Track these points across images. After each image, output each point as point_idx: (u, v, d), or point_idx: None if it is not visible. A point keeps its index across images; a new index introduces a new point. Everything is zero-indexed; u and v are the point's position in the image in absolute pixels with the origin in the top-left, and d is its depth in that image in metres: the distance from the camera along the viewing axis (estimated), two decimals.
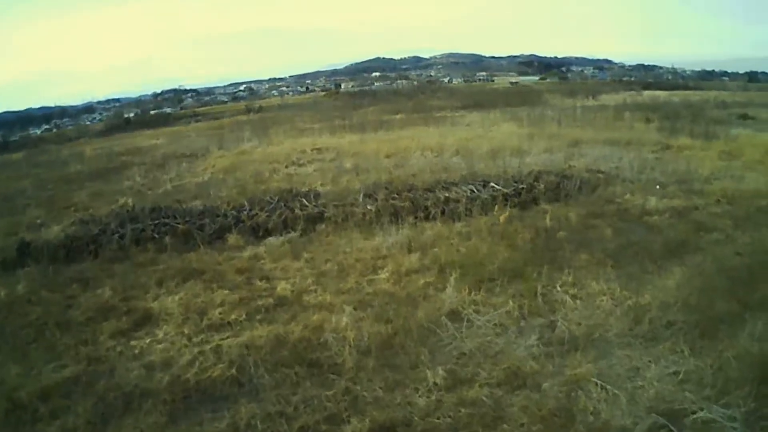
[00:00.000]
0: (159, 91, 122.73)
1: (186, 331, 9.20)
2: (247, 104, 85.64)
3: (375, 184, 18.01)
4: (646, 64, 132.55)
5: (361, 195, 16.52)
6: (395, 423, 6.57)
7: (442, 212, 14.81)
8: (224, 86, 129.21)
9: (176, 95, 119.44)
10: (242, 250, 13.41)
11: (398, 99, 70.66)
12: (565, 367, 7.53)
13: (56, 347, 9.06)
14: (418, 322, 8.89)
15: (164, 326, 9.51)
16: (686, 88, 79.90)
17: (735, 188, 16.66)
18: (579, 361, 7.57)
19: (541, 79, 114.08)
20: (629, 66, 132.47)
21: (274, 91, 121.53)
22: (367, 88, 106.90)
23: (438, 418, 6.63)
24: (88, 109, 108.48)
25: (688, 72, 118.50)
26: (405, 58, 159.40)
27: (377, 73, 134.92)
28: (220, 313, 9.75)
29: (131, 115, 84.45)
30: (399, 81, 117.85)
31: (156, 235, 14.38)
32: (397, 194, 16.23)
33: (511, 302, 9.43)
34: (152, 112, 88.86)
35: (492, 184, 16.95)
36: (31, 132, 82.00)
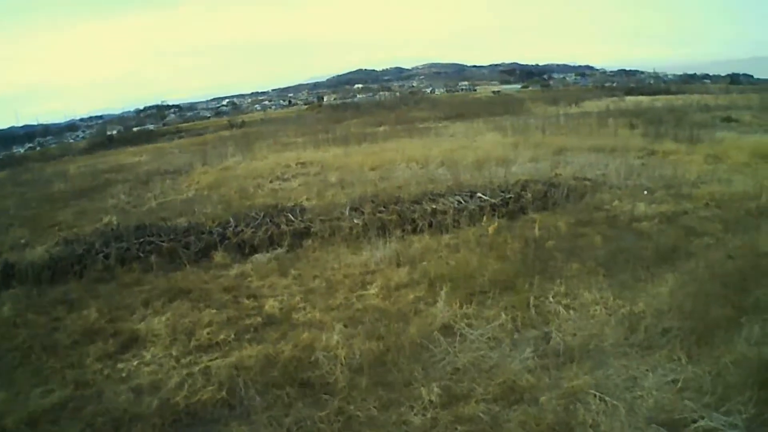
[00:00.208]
0: (142, 107, 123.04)
1: (174, 353, 9.03)
2: (230, 119, 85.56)
3: (361, 198, 17.86)
4: (627, 69, 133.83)
5: (348, 209, 16.38)
6: None
7: (430, 224, 14.70)
8: (207, 101, 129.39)
9: (159, 111, 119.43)
10: (229, 267, 13.25)
11: (381, 111, 70.59)
12: (562, 380, 7.42)
13: (43, 371, 8.89)
14: (410, 338, 8.74)
15: (151, 348, 9.33)
16: (668, 92, 80.00)
17: (723, 191, 16.63)
18: (575, 373, 7.47)
19: (523, 87, 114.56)
20: (611, 72, 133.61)
21: (256, 106, 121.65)
22: (349, 100, 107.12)
23: None
24: (71, 126, 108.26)
25: (669, 76, 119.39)
26: (387, 69, 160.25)
27: (359, 85, 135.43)
28: (208, 334, 9.56)
29: (114, 132, 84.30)
30: (381, 93, 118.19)
31: (141, 254, 14.20)
32: (384, 207, 16.10)
33: (503, 315, 9.33)
34: (135, 129, 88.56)
35: (479, 194, 16.84)
36: (15, 150, 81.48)
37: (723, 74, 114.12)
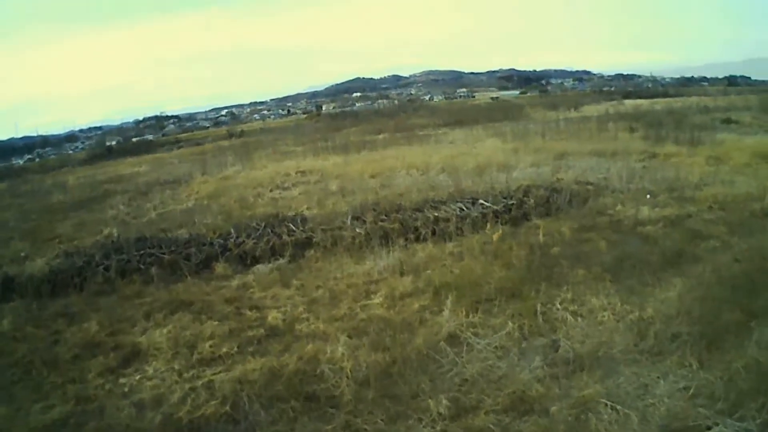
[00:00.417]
0: (141, 118, 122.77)
1: (176, 367, 8.92)
2: (229, 129, 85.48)
3: (362, 206, 17.67)
4: (624, 73, 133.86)
5: (349, 218, 16.24)
6: None
7: (433, 232, 14.60)
8: (206, 111, 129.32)
9: (158, 122, 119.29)
10: (230, 279, 13.13)
11: (380, 119, 70.52)
12: (572, 389, 7.32)
13: (43, 386, 8.79)
14: (417, 349, 8.62)
15: (153, 362, 9.21)
16: (667, 95, 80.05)
17: (726, 193, 16.53)
18: (586, 382, 7.37)
19: (521, 93, 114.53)
20: (608, 76, 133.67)
21: (255, 115, 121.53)
22: (348, 108, 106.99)
23: None
24: (71, 137, 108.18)
25: (667, 79, 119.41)
26: (384, 77, 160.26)
27: (358, 94, 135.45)
28: (210, 346, 9.44)
29: (113, 143, 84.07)
30: (380, 100, 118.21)
31: (142, 266, 14.08)
32: (386, 216, 15.96)
33: (510, 323, 9.21)
34: (134, 140, 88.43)
35: (481, 201, 16.73)
36: (14, 162, 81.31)
37: (720, 76, 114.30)
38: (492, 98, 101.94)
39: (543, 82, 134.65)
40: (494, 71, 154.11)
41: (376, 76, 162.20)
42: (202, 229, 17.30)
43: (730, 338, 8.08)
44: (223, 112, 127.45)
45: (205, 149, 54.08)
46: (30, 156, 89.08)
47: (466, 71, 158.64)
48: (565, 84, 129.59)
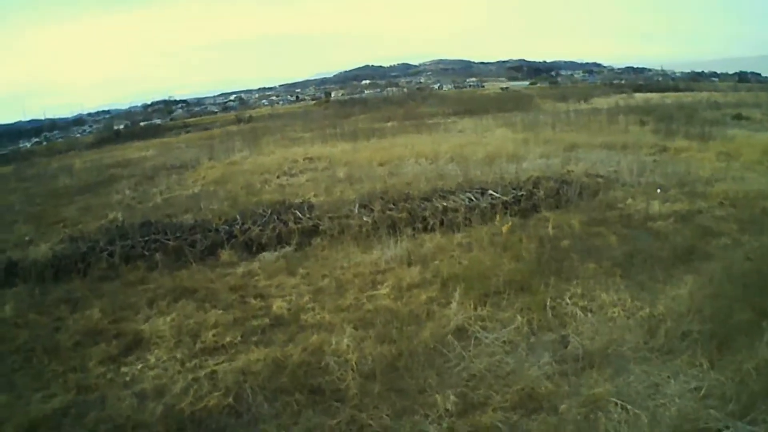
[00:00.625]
0: (149, 102, 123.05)
1: (179, 356, 8.79)
2: (237, 114, 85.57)
3: (370, 194, 17.61)
4: (635, 66, 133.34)
5: (357, 206, 16.13)
6: None
7: (441, 223, 14.47)
8: (214, 96, 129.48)
9: (166, 106, 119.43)
10: (235, 266, 13.02)
11: (389, 106, 70.45)
12: (582, 387, 7.20)
13: (44, 374, 8.68)
14: (424, 342, 8.49)
15: (156, 350, 9.09)
16: (677, 89, 79.74)
17: (737, 190, 16.36)
18: (595, 380, 7.27)
19: (531, 83, 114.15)
20: (618, 69, 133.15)
21: (264, 101, 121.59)
22: (357, 96, 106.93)
23: None
24: (78, 121, 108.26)
25: (677, 74, 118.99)
26: (394, 65, 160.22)
27: (367, 81, 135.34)
28: (213, 336, 9.31)
29: (121, 126, 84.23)
30: (389, 88, 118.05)
31: (146, 252, 13.99)
32: (394, 204, 15.85)
33: (519, 317, 9.08)
34: (142, 124, 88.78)
35: (490, 192, 16.59)
36: (21, 145, 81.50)
37: (731, 72, 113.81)
38: (502, 88, 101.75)
39: (553, 73, 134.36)
40: (504, 61, 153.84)
41: (386, 64, 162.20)
42: (208, 215, 17.28)
43: (741, 338, 7.91)
44: (232, 98, 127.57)
45: (213, 134, 54.35)
46: (37, 139, 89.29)
47: (475, 61, 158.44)
48: (575, 76, 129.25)
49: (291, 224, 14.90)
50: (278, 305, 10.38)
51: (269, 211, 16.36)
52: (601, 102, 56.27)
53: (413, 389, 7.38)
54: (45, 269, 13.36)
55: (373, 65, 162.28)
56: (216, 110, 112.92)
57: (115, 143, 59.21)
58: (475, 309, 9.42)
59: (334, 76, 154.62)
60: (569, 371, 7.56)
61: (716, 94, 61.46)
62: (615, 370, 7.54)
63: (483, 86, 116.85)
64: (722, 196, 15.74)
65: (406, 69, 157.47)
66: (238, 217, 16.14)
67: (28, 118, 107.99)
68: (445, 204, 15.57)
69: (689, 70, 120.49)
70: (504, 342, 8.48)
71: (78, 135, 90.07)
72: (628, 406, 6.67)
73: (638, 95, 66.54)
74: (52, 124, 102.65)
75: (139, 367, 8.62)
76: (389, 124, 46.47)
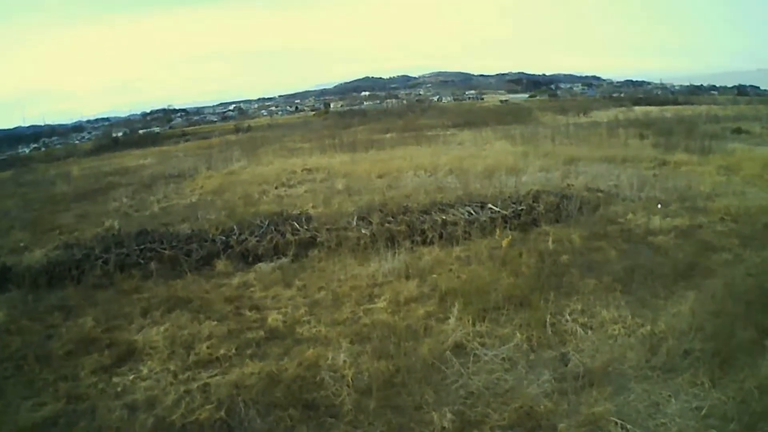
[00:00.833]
0: (148, 110, 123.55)
1: (171, 368, 8.65)
2: (237, 124, 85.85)
3: (368, 206, 17.54)
4: (634, 79, 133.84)
5: (355, 218, 16.02)
6: None
7: (440, 236, 14.32)
8: (213, 106, 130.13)
9: (165, 115, 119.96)
10: (231, 276, 12.91)
11: (388, 118, 70.60)
12: (581, 405, 7.06)
13: (35, 383, 8.57)
14: (421, 358, 8.35)
15: (148, 361, 8.96)
16: (676, 103, 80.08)
17: (738, 205, 16.25)
18: (595, 398, 7.12)
19: (530, 96, 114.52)
20: (618, 82, 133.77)
21: (263, 111, 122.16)
22: (356, 107, 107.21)
23: None
24: (78, 128, 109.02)
25: (676, 87, 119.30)
26: (394, 77, 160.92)
27: (366, 93, 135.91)
28: (207, 347, 9.18)
29: (120, 134, 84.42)
30: (388, 100, 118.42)
31: (141, 261, 13.88)
32: (392, 217, 15.73)
33: (518, 334, 8.94)
34: (141, 132, 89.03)
35: (490, 205, 16.47)
36: (20, 151, 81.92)
37: (730, 85, 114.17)
38: (501, 101, 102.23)
39: (552, 86, 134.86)
40: (503, 74, 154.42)
41: (385, 76, 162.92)
42: (205, 225, 17.16)
43: (744, 357, 7.82)
44: (231, 107, 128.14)
45: (212, 143, 54.46)
46: (36, 145, 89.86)
47: (475, 73, 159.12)
48: (575, 89, 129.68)
49: (288, 235, 14.77)
50: (274, 318, 10.25)
51: (266, 222, 16.25)
52: (601, 115, 56.42)
53: (410, 406, 7.25)
54: (39, 275, 13.28)
55: (372, 77, 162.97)
56: (215, 120, 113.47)
57: (114, 151, 59.52)
58: (474, 325, 9.28)
59: (334, 87, 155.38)
60: (569, 390, 7.42)
61: (715, 107, 61.86)
62: (615, 388, 7.41)
63: (482, 99, 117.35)
64: (723, 211, 15.63)
65: (405, 81, 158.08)
66: (235, 227, 16.03)
67: (27, 124, 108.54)
68: (444, 217, 15.44)
69: (688, 84, 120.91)
70: (503, 359, 8.34)
71: (77, 142, 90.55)
72: (628, 426, 6.56)
73: (637, 108, 66.97)
74: (52, 131, 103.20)
75: (131, 377, 8.50)
76: (388, 135, 46.56)
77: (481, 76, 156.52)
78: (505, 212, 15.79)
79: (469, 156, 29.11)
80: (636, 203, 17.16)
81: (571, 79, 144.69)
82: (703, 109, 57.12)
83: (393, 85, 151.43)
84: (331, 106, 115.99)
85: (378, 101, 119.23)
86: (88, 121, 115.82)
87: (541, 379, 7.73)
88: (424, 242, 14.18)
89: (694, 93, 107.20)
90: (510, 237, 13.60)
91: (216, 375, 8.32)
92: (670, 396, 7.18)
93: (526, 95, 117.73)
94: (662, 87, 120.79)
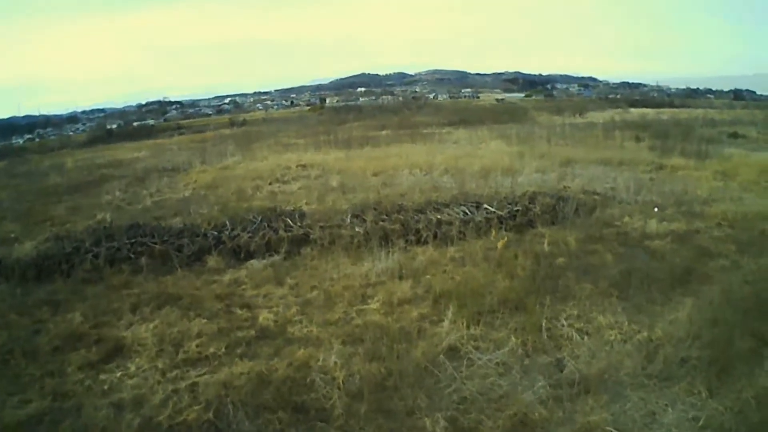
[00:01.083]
0: (143, 102, 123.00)
1: (160, 366, 8.53)
2: (231, 118, 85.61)
3: (363, 204, 17.41)
4: (630, 81, 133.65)
5: (349, 216, 15.92)
6: None
7: (435, 236, 14.22)
8: (209, 99, 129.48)
9: (160, 107, 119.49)
10: (222, 273, 12.77)
11: (384, 115, 70.57)
12: (577, 413, 6.96)
13: (21, 379, 8.45)
14: (414, 361, 8.21)
15: (136, 359, 8.84)
16: (672, 105, 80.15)
17: (735, 211, 16.15)
18: (591, 406, 7.03)
19: (526, 96, 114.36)
20: (614, 84, 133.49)
21: (258, 105, 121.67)
22: (352, 103, 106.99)
23: None
24: (72, 118, 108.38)
25: (673, 89, 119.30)
26: (390, 73, 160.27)
27: (362, 89, 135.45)
28: (197, 346, 9.05)
29: (114, 126, 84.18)
30: (384, 97, 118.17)
31: (132, 255, 13.73)
32: (387, 215, 15.61)
33: (513, 338, 8.83)
34: (135, 124, 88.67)
35: (485, 205, 16.38)
36: (14, 141, 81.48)
37: (726, 89, 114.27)
38: (497, 100, 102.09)
39: (548, 86, 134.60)
40: (499, 73, 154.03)
41: (382, 73, 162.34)
42: (197, 220, 17.02)
43: (741, 366, 7.74)
44: (226, 101, 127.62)
45: (206, 137, 54.25)
46: (30, 136, 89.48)
47: (471, 72, 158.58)
48: (571, 89, 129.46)
49: (281, 232, 14.65)
50: (265, 316, 10.13)
51: (259, 218, 16.11)
52: (597, 116, 56.51)
53: (401, 411, 7.12)
54: (28, 268, 13.18)
55: (368, 73, 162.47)
56: (210, 113, 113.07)
57: (108, 143, 59.32)
58: (468, 328, 9.16)
59: (330, 82, 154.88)
60: (564, 397, 7.30)
61: (712, 111, 61.70)
62: (611, 396, 7.31)
63: (478, 97, 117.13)
64: (720, 217, 15.56)
65: (401, 78, 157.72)
66: (227, 222, 15.90)
67: (22, 114, 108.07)
68: (439, 217, 15.33)
69: (684, 87, 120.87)
70: (497, 364, 8.22)
71: (71, 133, 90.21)
72: None
73: (634, 110, 67.20)
74: (46, 121, 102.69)
75: (118, 375, 8.38)
76: (384, 132, 46.45)
77: (478, 74, 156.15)
78: (500, 213, 15.70)
79: (465, 155, 29.03)
80: (632, 206, 17.09)
81: (567, 79, 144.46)
82: (699, 113, 57.08)
83: (389, 82, 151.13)
84: (327, 101, 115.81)
85: (374, 97, 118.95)
86: (83, 112, 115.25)
87: (535, 385, 7.61)
88: (418, 242, 14.10)
89: (690, 96, 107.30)
90: (506, 238, 13.44)
91: (205, 374, 8.20)
92: (666, 405, 7.08)
93: (522, 95, 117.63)
94: (658, 89, 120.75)
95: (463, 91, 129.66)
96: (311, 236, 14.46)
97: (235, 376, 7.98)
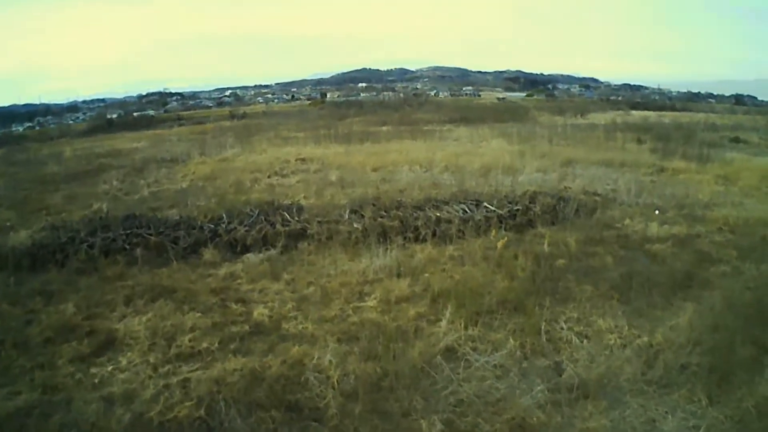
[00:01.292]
0: (144, 93, 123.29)
1: (152, 360, 8.39)
2: (232, 110, 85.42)
3: (361, 200, 17.33)
4: (632, 83, 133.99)
5: (347, 211, 15.80)
6: None
7: (434, 233, 14.07)
8: (210, 91, 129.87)
9: (161, 98, 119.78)
10: (218, 267, 12.63)
11: (384, 110, 70.49)
12: (575, 419, 6.86)
13: (11, 370, 8.30)
14: (411, 362, 8.08)
15: (128, 352, 8.70)
16: (674, 109, 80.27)
17: (736, 216, 16.05)
18: (590, 412, 6.92)
19: (527, 95, 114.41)
20: (615, 85, 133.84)
21: (259, 98, 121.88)
22: (353, 98, 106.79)
23: None
24: (73, 108, 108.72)
25: (674, 92, 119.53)
26: (391, 69, 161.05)
27: (363, 84, 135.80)
28: (190, 340, 8.91)
29: (114, 116, 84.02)
30: (385, 92, 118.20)
31: (127, 246, 13.60)
32: (385, 212, 15.50)
33: (512, 340, 8.70)
34: (136, 114, 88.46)
35: (485, 204, 16.26)
36: (14, 129, 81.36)
37: (727, 94, 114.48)
38: (498, 98, 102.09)
39: (550, 86, 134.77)
40: (501, 72, 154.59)
41: (383, 68, 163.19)
42: (194, 212, 16.95)
43: (742, 373, 7.60)
44: (227, 93, 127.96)
45: (206, 129, 54.04)
46: (30, 124, 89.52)
47: (472, 70, 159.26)
48: (572, 90, 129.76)
49: (278, 226, 14.53)
50: (260, 312, 10.00)
51: (257, 212, 15.99)
52: (598, 117, 56.59)
53: (397, 412, 7.00)
54: (22, 257, 13.03)
55: (370, 68, 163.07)
56: (211, 105, 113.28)
57: (108, 132, 59.20)
58: (466, 328, 9.04)
59: (331, 77, 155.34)
60: (562, 401, 7.18)
61: (713, 115, 62.00)
62: (610, 402, 7.19)
63: (479, 95, 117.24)
64: (721, 222, 15.46)
65: (402, 74, 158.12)
66: (224, 215, 15.79)
67: (23, 102, 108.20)
68: (438, 214, 15.19)
69: (686, 90, 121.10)
70: (495, 366, 8.09)
71: (71, 122, 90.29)
72: None
73: (635, 112, 67.11)
74: (47, 110, 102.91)
75: (109, 368, 8.24)
76: (384, 128, 46.43)
77: (479, 72, 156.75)
78: (500, 212, 15.59)
79: (465, 153, 29.00)
80: (633, 209, 17.00)
81: (568, 79, 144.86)
82: (701, 117, 57.27)
83: (390, 78, 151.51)
84: (328, 96, 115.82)
85: (375, 93, 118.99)
86: (84, 102, 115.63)
87: (534, 389, 7.48)
88: (417, 239, 13.97)
89: (691, 100, 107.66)
90: (506, 238, 13.30)
91: (197, 370, 8.06)
92: (666, 413, 6.98)
93: (523, 94, 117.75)
94: (660, 92, 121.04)
95: (464, 88, 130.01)
96: (309, 231, 14.32)
97: (228, 372, 7.85)
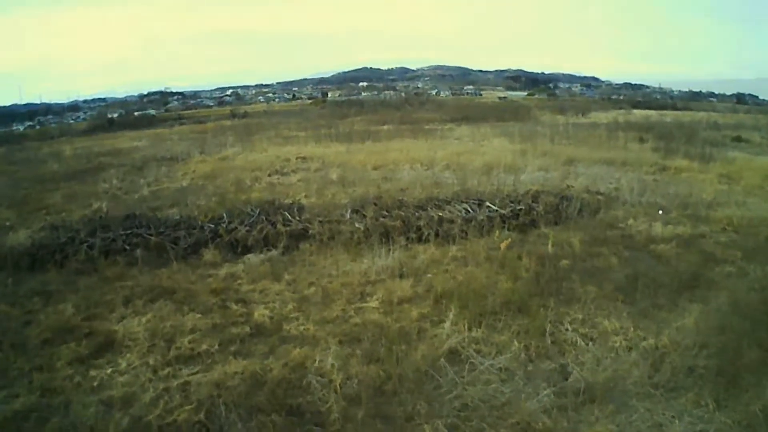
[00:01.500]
0: (145, 92, 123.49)
1: (151, 362, 8.30)
2: (233, 109, 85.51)
3: (363, 199, 17.22)
4: (633, 83, 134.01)
5: (349, 211, 15.71)
6: None
7: (436, 234, 13.97)
8: (211, 90, 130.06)
9: (162, 97, 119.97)
10: (218, 267, 12.54)
11: (385, 109, 70.44)
12: (581, 424, 6.76)
13: (9, 372, 8.23)
14: (414, 364, 7.96)
15: (128, 354, 8.60)
16: (675, 108, 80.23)
17: (740, 216, 16.01)
18: (596, 416, 6.82)
19: (529, 94, 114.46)
20: (616, 84, 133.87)
21: (260, 97, 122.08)
22: (354, 97, 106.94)
23: None
24: (73, 107, 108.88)
25: (675, 92, 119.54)
26: (392, 68, 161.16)
27: (364, 83, 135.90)
28: (189, 342, 8.83)
29: (115, 115, 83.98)
30: (386, 91, 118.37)
31: (127, 247, 13.53)
32: (387, 211, 15.40)
33: (516, 342, 8.58)
34: (136, 113, 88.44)
35: (488, 203, 16.14)
36: (14, 128, 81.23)
37: (728, 93, 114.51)
38: (499, 97, 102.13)
39: (551, 85, 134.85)
40: (502, 71, 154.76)
41: (384, 67, 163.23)
42: (194, 212, 16.89)
43: (749, 377, 7.50)
44: (228, 92, 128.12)
45: (207, 128, 54.07)
46: (31, 123, 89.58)
47: (474, 68, 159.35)
48: (573, 89, 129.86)
49: (279, 226, 14.44)
50: (260, 313, 9.90)
51: (257, 211, 15.91)
52: (600, 116, 56.51)
53: (400, 417, 6.90)
54: (21, 258, 13.01)
55: (371, 67, 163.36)
56: (211, 104, 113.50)
57: (108, 131, 59.22)
58: (470, 330, 8.92)
59: (332, 76, 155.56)
60: (568, 405, 7.08)
61: (715, 114, 61.91)
62: (617, 406, 7.08)
63: (480, 94, 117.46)
64: (725, 221, 15.40)
65: (403, 73, 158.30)
66: (224, 215, 15.70)
67: (24, 101, 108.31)
68: (440, 214, 15.09)
69: (687, 89, 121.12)
70: (500, 369, 7.98)
71: (72, 121, 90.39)
72: None
73: (637, 111, 67.10)
74: (47, 109, 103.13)
75: (108, 371, 8.15)
76: (385, 127, 46.34)
77: (480, 71, 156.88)
78: (503, 211, 15.48)
79: (467, 152, 28.94)
80: (636, 208, 16.92)
81: (570, 79, 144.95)
82: (702, 116, 57.24)
83: (391, 77, 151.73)
84: (329, 95, 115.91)
85: (376, 92, 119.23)
86: (85, 101, 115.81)
87: (539, 392, 7.37)
88: (419, 239, 13.86)
89: (693, 99, 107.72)
90: (509, 239, 13.24)
91: (197, 372, 7.98)
92: (673, 417, 6.87)
93: (525, 93, 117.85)
94: (661, 91, 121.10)
95: (465, 87, 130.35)
96: (310, 231, 14.24)
97: (229, 375, 7.76)
